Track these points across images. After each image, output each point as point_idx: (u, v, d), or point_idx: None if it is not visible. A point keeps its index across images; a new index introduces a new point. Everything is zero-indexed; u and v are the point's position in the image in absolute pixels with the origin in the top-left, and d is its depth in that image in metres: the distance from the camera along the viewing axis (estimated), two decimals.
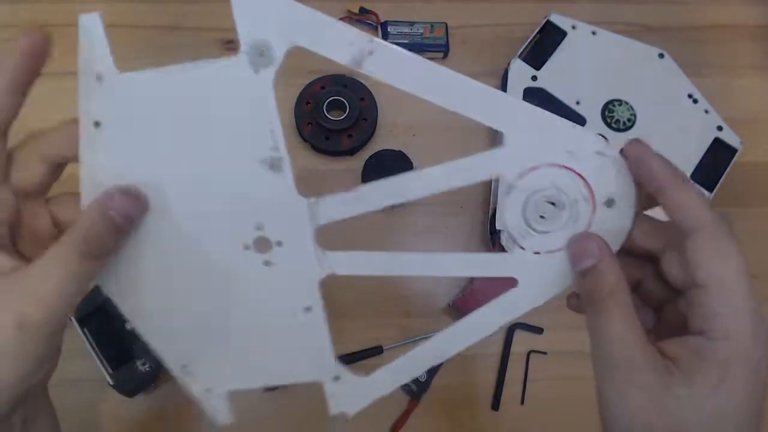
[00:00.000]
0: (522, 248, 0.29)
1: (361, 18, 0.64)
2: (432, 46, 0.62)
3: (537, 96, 0.61)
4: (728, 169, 0.57)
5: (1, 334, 0.24)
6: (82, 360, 0.50)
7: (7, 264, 0.25)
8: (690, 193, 0.25)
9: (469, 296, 0.54)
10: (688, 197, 0.25)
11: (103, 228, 0.25)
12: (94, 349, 0.49)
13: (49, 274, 0.24)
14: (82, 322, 0.50)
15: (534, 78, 0.59)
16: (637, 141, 0.27)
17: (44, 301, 0.24)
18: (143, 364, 0.48)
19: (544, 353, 0.55)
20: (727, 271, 0.24)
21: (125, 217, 0.25)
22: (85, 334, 0.50)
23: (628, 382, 0.25)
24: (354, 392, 0.32)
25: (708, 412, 0.23)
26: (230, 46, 0.62)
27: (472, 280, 0.54)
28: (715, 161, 0.58)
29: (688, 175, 0.57)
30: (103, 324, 0.50)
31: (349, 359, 0.52)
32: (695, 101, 0.59)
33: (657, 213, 0.28)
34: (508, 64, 0.60)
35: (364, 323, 0.54)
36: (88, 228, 0.25)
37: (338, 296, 0.54)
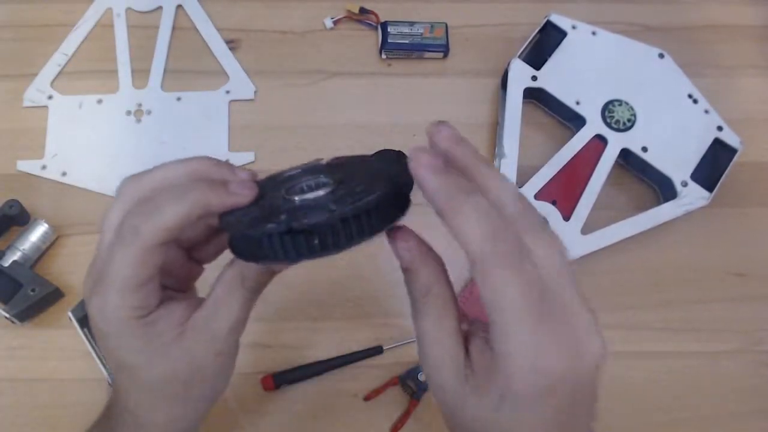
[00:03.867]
0: None
1: (361, 18, 0.64)
2: (432, 46, 0.62)
3: (537, 96, 0.61)
4: (728, 169, 0.57)
5: (205, 360, 0.28)
6: (82, 360, 0.50)
7: (182, 312, 0.28)
8: (462, 220, 0.23)
9: (469, 296, 0.54)
10: (460, 224, 0.23)
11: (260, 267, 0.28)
12: (94, 349, 0.49)
13: (217, 316, 0.28)
14: (82, 322, 0.50)
15: (534, 78, 0.59)
16: (415, 150, 0.25)
17: (222, 335, 0.28)
18: None
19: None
20: (503, 305, 0.22)
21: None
22: (85, 334, 0.50)
23: (436, 381, 0.26)
24: None
25: (495, 424, 0.24)
26: (232, 45, 0.62)
27: (473, 279, 0.54)
28: (715, 161, 0.58)
29: (688, 175, 0.57)
30: None
31: (349, 359, 0.52)
32: (695, 101, 0.59)
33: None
34: (508, 64, 0.60)
35: (364, 323, 0.54)
36: (244, 266, 0.28)
37: (338, 296, 0.55)
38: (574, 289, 0.24)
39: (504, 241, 0.23)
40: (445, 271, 0.27)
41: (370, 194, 0.24)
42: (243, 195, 0.26)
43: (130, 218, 0.26)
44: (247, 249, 0.26)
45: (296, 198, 0.26)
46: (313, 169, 0.29)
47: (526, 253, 0.23)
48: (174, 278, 0.30)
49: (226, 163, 0.28)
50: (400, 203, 0.27)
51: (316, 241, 0.24)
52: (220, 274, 0.29)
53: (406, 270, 0.27)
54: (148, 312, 0.27)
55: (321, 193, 0.26)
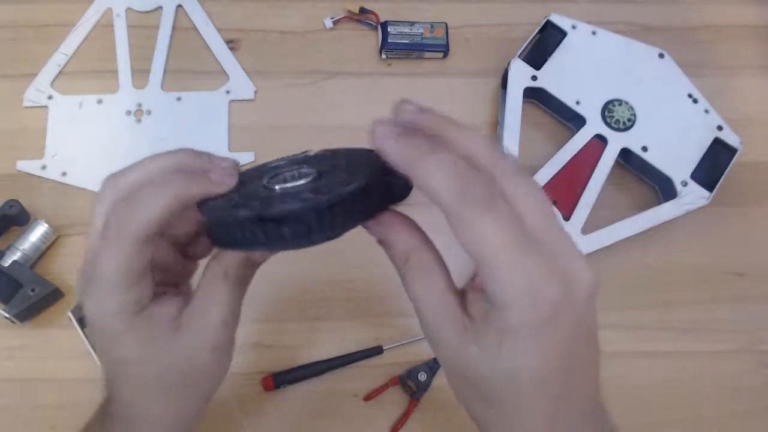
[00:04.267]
0: None
1: (361, 18, 0.64)
2: (432, 46, 0.62)
3: (537, 96, 0.61)
4: (728, 169, 0.57)
5: (200, 355, 0.28)
6: (82, 360, 0.50)
7: (177, 308, 0.28)
8: (426, 175, 0.23)
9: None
10: (425, 181, 0.23)
11: (239, 259, 0.28)
12: (94, 349, 0.49)
13: (207, 310, 0.28)
14: (82, 322, 0.50)
15: (534, 78, 0.59)
16: (374, 123, 0.25)
17: (214, 329, 0.28)
18: None
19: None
20: (486, 251, 0.22)
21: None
22: (85, 334, 0.50)
23: (438, 342, 0.26)
24: None
25: (498, 370, 0.24)
26: (232, 45, 0.62)
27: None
28: (715, 161, 0.58)
29: (688, 175, 0.57)
30: None
31: (349, 359, 0.52)
32: (695, 101, 0.59)
33: None
34: (508, 64, 0.60)
35: (364, 323, 0.54)
36: (225, 258, 0.28)
37: (339, 297, 0.55)
38: (557, 224, 0.24)
39: (473, 186, 0.22)
40: (423, 236, 0.27)
41: (349, 184, 0.24)
42: (224, 183, 0.27)
43: (113, 216, 0.26)
44: (221, 235, 0.26)
45: (276, 187, 0.26)
46: (298, 160, 0.29)
47: (499, 194, 0.23)
48: (168, 275, 0.30)
49: (207, 153, 0.28)
50: (385, 195, 0.27)
51: (286, 230, 0.24)
52: (205, 267, 0.29)
53: (380, 243, 0.27)
54: (141, 308, 0.27)
55: (301, 182, 0.26)
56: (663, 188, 0.59)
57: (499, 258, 0.22)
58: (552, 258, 0.23)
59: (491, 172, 0.24)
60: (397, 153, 0.24)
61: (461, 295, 0.26)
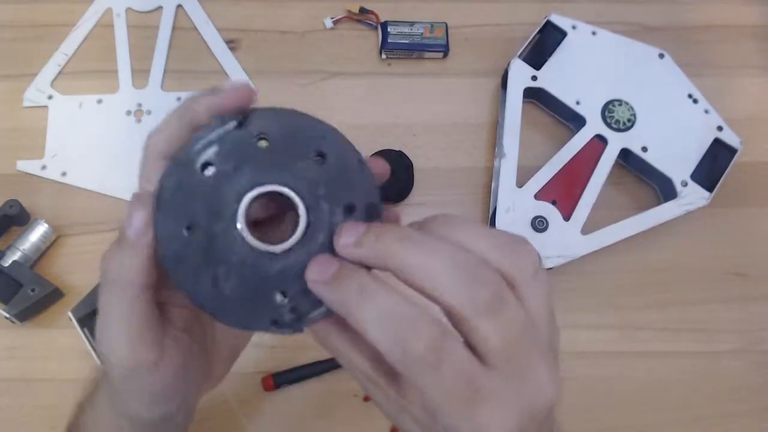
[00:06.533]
0: None
1: (361, 18, 0.64)
2: (432, 46, 0.62)
3: (537, 96, 0.61)
4: (728, 169, 0.57)
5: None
6: (82, 360, 0.50)
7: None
8: (364, 328, 0.22)
9: None
10: (364, 332, 0.22)
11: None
12: (94, 349, 0.49)
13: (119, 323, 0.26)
14: (82, 322, 0.50)
15: (534, 78, 0.59)
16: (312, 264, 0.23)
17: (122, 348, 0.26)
18: None
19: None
20: (435, 407, 0.22)
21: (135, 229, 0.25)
22: (85, 334, 0.50)
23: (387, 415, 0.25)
24: None
25: None
26: (232, 45, 0.62)
27: None
28: (715, 161, 0.58)
29: (688, 175, 0.57)
30: None
31: None
32: (695, 101, 0.59)
33: None
34: (508, 64, 0.60)
35: None
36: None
37: None
38: (537, 337, 0.23)
39: (411, 347, 0.21)
40: (338, 323, 0.25)
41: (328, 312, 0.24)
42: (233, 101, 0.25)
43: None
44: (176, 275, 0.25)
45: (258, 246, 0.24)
46: (275, 164, 0.25)
47: (448, 341, 0.21)
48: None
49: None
50: None
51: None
52: None
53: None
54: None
55: (287, 245, 0.24)
56: (663, 188, 0.59)
57: (450, 413, 0.21)
58: (511, 389, 0.22)
59: (505, 275, 0.22)
60: (329, 301, 0.23)
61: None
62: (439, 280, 0.21)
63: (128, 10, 0.63)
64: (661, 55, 0.61)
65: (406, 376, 0.22)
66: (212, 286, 0.24)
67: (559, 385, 0.23)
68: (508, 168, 0.56)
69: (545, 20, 0.61)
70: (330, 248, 0.24)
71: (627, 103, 0.59)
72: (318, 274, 0.23)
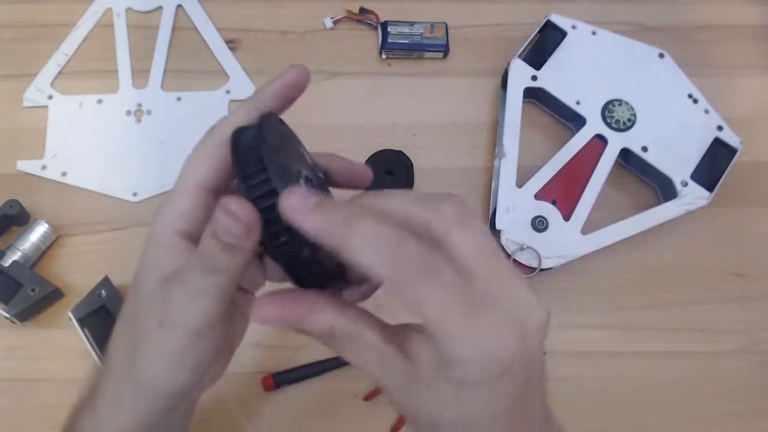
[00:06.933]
0: None
1: (361, 18, 0.64)
2: (432, 46, 0.62)
3: (537, 96, 0.61)
4: (728, 169, 0.57)
5: (177, 342, 0.27)
6: (82, 360, 0.50)
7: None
8: (354, 253, 0.22)
9: None
10: (354, 258, 0.22)
11: (214, 247, 0.26)
12: (94, 349, 0.49)
13: (184, 298, 0.27)
14: (82, 322, 0.50)
15: (534, 78, 0.59)
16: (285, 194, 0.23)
17: (188, 321, 0.27)
18: None
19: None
20: (433, 320, 0.22)
21: (230, 235, 0.25)
22: (85, 334, 0.50)
23: (385, 390, 0.25)
24: None
25: (454, 419, 0.23)
26: (232, 45, 0.62)
27: None
28: (715, 161, 0.58)
29: (688, 175, 0.57)
30: (103, 324, 0.50)
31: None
32: (695, 101, 0.59)
33: None
34: (508, 64, 0.60)
35: None
36: (203, 248, 0.26)
37: None
38: (502, 266, 0.23)
39: (407, 256, 0.22)
40: (333, 303, 0.26)
41: None
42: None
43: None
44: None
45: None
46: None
47: (436, 257, 0.22)
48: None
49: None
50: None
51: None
52: None
53: (298, 331, 0.26)
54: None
55: None
56: (663, 188, 0.59)
57: (448, 326, 0.22)
58: (501, 308, 0.23)
59: (428, 228, 0.23)
60: (315, 229, 0.23)
61: (400, 333, 0.25)
62: (366, 257, 0.22)
63: (128, 10, 0.63)
64: (661, 55, 0.61)
65: (404, 295, 0.22)
66: None
67: (543, 312, 0.24)
68: (508, 168, 0.56)
69: (545, 20, 0.61)
70: None
71: (627, 103, 0.59)
72: (299, 202, 0.23)
